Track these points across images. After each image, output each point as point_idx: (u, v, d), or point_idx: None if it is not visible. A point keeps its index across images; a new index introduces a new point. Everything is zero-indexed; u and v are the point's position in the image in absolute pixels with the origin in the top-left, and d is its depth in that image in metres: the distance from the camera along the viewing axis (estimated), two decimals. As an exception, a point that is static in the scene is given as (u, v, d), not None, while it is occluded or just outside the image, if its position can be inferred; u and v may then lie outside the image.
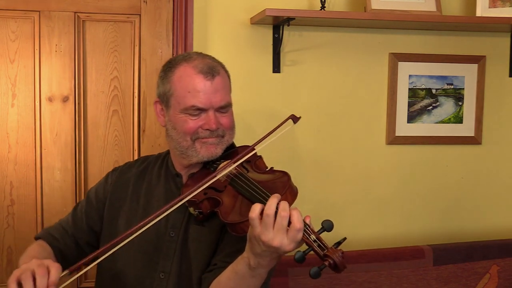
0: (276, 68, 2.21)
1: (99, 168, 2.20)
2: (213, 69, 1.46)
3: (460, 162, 2.42)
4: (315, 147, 2.29)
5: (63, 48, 2.14)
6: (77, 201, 2.19)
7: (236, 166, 1.41)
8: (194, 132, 1.46)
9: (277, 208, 1.17)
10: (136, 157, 2.21)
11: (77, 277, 2.22)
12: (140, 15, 2.18)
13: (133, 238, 1.44)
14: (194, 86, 1.44)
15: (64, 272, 1.26)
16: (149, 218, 1.31)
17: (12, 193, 2.16)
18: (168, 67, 1.51)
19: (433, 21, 2.16)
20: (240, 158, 1.41)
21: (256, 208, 1.17)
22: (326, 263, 1.13)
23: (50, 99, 2.15)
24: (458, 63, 2.37)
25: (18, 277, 1.20)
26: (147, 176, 1.62)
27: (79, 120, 2.17)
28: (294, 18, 2.06)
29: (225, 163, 1.44)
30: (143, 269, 1.47)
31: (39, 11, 2.12)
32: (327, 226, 1.19)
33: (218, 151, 1.47)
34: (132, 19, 2.18)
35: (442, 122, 2.38)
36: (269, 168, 1.48)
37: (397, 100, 2.33)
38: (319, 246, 1.16)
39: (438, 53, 2.36)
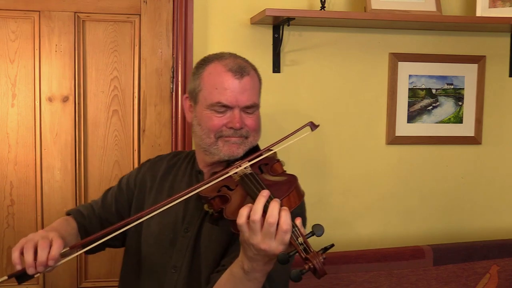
0: (276, 68, 2.22)
1: (99, 168, 2.20)
2: (243, 69, 1.48)
3: (460, 162, 2.42)
4: (315, 147, 2.29)
5: (63, 48, 2.14)
6: (77, 201, 2.19)
7: (252, 167, 1.41)
8: (218, 130, 1.47)
9: (266, 210, 1.16)
10: (136, 157, 2.21)
11: (78, 276, 2.23)
12: (140, 15, 2.18)
13: (152, 232, 1.52)
14: (222, 83, 1.46)
15: (65, 249, 1.30)
16: (159, 204, 1.34)
17: (12, 193, 2.16)
18: (200, 64, 1.54)
19: (433, 21, 2.17)
20: (254, 158, 1.41)
21: (244, 212, 1.17)
22: (306, 266, 1.11)
23: (50, 99, 2.15)
24: (458, 63, 2.37)
25: (22, 246, 1.27)
26: (174, 171, 1.64)
27: (79, 120, 2.17)
28: (294, 18, 2.06)
29: (240, 162, 1.44)
30: (157, 262, 1.50)
31: (39, 11, 2.12)
32: (317, 230, 1.17)
33: (240, 151, 1.48)
34: (132, 19, 2.18)
35: (442, 122, 2.39)
36: (282, 171, 1.48)
37: (397, 100, 2.33)
38: (304, 249, 1.14)
39: (438, 53, 2.36)
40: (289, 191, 1.28)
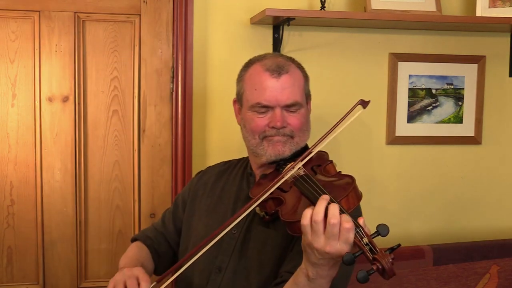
0: (276, 68, 2.21)
1: (99, 168, 2.20)
2: (282, 67, 1.46)
3: (460, 162, 2.42)
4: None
5: (63, 48, 2.14)
6: (77, 201, 2.19)
7: (305, 168, 1.39)
8: (262, 131, 1.46)
9: (327, 212, 1.14)
10: (136, 157, 2.21)
11: (78, 276, 2.23)
12: (140, 15, 2.18)
13: (200, 233, 1.52)
14: (260, 84, 1.45)
15: (153, 284, 1.34)
16: (224, 225, 1.32)
17: (12, 193, 2.16)
18: (244, 67, 1.55)
19: (433, 21, 2.17)
20: (305, 157, 1.37)
21: (307, 214, 1.16)
22: (375, 267, 1.09)
23: (50, 99, 2.15)
24: (458, 63, 2.37)
25: (113, 287, 1.33)
26: (226, 175, 1.65)
27: (79, 120, 2.17)
28: (294, 18, 2.06)
29: (292, 164, 1.41)
30: (202, 262, 1.47)
31: (39, 11, 2.12)
32: (382, 230, 1.15)
33: (285, 150, 1.46)
34: (132, 19, 2.18)
35: (442, 122, 2.39)
36: (337, 172, 1.45)
37: (397, 100, 2.33)
38: (370, 249, 1.12)
39: (438, 53, 2.36)
40: (347, 192, 1.26)
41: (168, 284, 1.32)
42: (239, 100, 1.55)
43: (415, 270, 2.13)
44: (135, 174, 2.22)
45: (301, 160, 1.38)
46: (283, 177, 1.35)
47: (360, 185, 2.36)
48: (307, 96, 1.54)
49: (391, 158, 2.37)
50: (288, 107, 1.46)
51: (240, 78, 1.54)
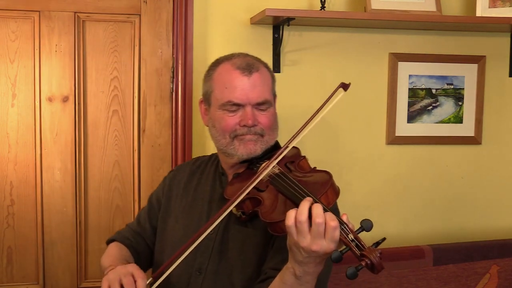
0: (276, 68, 2.21)
1: (99, 168, 2.20)
2: (252, 65, 1.47)
3: (460, 162, 2.42)
4: (314, 147, 2.29)
5: (63, 48, 2.14)
6: (77, 201, 2.19)
7: (279, 166, 1.39)
8: (232, 130, 1.46)
9: (311, 212, 1.15)
10: (136, 157, 2.21)
11: (78, 276, 2.23)
12: (140, 15, 2.18)
13: (176, 235, 1.52)
14: (231, 82, 1.45)
15: (149, 280, 1.32)
16: (204, 227, 1.31)
17: (12, 193, 2.16)
18: (211, 67, 1.54)
19: (433, 21, 2.17)
20: (280, 154, 1.36)
21: (292, 214, 1.16)
22: (363, 263, 1.10)
23: (50, 99, 2.15)
24: (458, 63, 2.37)
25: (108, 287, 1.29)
26: (198, 174, 1.64)
27: (79, 120, 2.17)
28: (294, 18, 2.06)
29: (267, 162, 1.40)
30: (180, 265, 1.45)
31: (39, 11, 2.12)
32: (366, 225, 1.16)
33: (257, 148, 1.46)
34: (132, 19, 2.18)
35: (442, 122, 2.39)
36: (312, 168, 1.45)
37: (397, 100, 2.33)
38: (356, 246, 1.13)
39: (438, 53, 2.36)
40: (326, 188, 1.26)
41: None
42: (206, 100, 1.54)
43: (415, 270, 2.13)
44: (135, 174, 2.22)
45: (276, 158, 1.36)
46: (259, 177, 1.34)
47: (360, 185, 2.38)
48: (274, 96, 1.55)
49: (391, 158, 2.37)
50: (258, 105, 1.47)
51: (208, 78, 1.53)
